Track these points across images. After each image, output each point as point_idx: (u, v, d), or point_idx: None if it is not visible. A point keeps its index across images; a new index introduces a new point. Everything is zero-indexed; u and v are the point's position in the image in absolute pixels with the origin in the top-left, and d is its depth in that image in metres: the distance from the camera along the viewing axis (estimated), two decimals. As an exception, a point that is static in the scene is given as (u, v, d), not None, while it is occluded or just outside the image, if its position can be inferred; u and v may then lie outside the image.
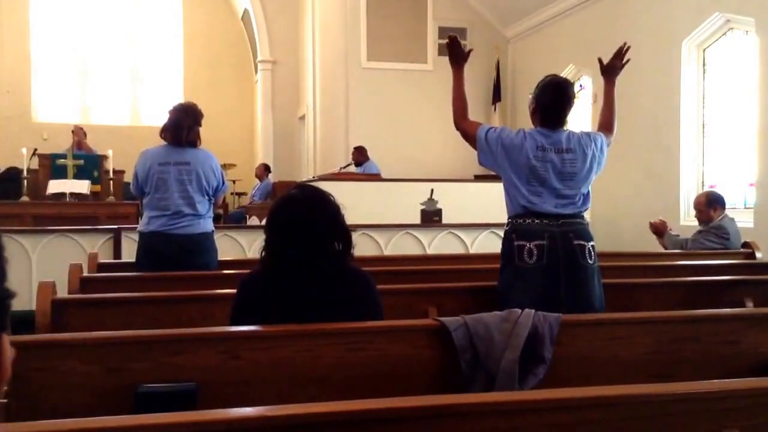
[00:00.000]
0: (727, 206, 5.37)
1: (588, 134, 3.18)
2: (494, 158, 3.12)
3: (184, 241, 3.90)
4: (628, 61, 3.42)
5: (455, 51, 3.27)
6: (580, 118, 9.00)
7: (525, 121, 3.40)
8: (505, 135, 3.11)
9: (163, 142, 4.07)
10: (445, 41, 3.32)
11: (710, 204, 5.23)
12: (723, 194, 5.48)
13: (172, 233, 3.89)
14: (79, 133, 10.36)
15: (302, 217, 2.13)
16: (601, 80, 3.51)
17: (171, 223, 3.91)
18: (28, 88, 14.27)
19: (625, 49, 3.39)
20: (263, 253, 2.20)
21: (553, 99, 3.12)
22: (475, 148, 3.18)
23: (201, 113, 4.04)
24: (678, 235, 5.42)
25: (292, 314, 2.07)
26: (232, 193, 12.65)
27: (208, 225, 4.06)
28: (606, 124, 3.37)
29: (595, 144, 3.14)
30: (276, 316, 2.07)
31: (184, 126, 3.98)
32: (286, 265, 2.13)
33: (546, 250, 2.96)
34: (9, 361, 0.54)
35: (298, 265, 2.12)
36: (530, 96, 3.22)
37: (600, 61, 3.44)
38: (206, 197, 4.03)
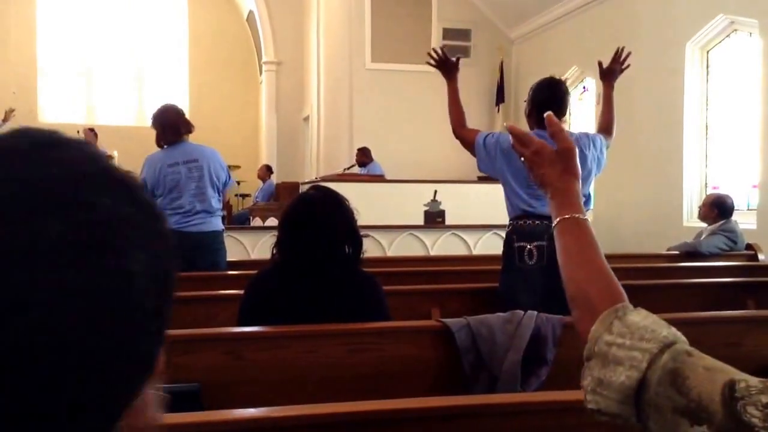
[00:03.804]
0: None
1: (587, 135, 3.20)
2: (492, 164, 3.14)
3: (196, 238, 3.94)
4: (628, 66, 3.42)
5: (444, 66, 3.27)
6: (584, 119, 9.00)
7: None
8: (503, 139, 3.12)
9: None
10: (439, 51, 3.26)
11: (714, 206, 5.22)
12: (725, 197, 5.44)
13: (186, 231, 3.92)
14: (89, 135, 10.29)
15: (318, 218, 2.12)
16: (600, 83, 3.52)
17: (185, 221, 3.95)
18: (34, 89, 14.30)
19: (624, 54, 3.40)
20: (275, 250, 2.20)
21: (547, 98, 3.13)
22: (474, 155, 3.20)
23: (177, 106, 4.21)
24: (685, 242, 5.33)
25: (300, 316, 2.07)
26: (236, 195, 12.64)
27: (219, 224, 4.12)
28: (605, 126, 3.38)
29: (594, 145, 3.15)
30: (283, 318, 2.07)
31: (176, 122, 4.06)
32: (297, 265, 2.13)
33: (546, 251, 2.97)
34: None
35: (309, 266, 2.12)
36: (525, 102, 3.24)
37: (600, 64, 3.45)
38: (217, 192, 4.09)
